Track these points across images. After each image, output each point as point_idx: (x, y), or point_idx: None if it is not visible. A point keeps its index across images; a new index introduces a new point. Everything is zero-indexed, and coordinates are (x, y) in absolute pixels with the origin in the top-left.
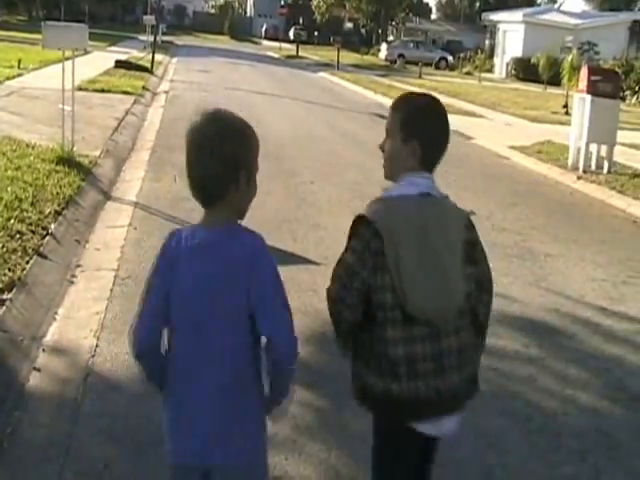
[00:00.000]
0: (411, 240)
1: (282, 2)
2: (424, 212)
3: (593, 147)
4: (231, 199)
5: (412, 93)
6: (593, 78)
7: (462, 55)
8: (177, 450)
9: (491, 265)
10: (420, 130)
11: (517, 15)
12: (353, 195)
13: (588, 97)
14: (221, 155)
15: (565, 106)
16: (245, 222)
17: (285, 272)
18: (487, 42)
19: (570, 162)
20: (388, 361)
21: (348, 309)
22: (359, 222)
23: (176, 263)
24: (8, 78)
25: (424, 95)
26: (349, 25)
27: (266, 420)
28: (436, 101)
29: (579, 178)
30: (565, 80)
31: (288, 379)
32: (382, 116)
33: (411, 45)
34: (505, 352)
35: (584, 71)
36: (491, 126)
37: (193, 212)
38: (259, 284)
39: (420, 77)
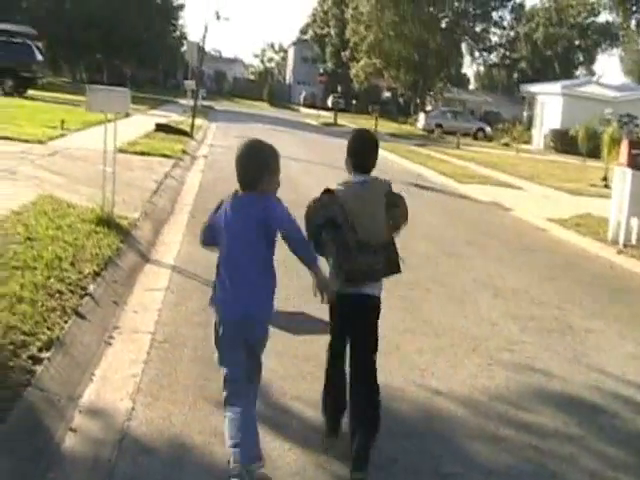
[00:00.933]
0: (354, 200)
1: (321, 70)
2: (360, 188)
3: (634, 221)
4: (260, 189)
5: (355, 129)
6: (634, 152)
7: (500, 126)
8: (225, 311)
9: (530, 339)
10: (351, 151)
11: (556, 87)
12: None
13: (629, 171)
14: (256, 162)
15: (604, 179)
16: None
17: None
18: (525, 113)
19: (610, 236)
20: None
21: (315, 223)
22: (329, 192)
23: (229, 210)
24: (51, 138)
25: (360, 129)
26: (387, 94)
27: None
28: (363, 132)
29: (619, 252)
30: (604, 153)
31: (304, 246)
32: (419, 186)
33: (449, 115)
34: (545, 430)
35: (624, 144)
36: (529, 198)
37: None
38: (274, 217)
39: (458, 147)
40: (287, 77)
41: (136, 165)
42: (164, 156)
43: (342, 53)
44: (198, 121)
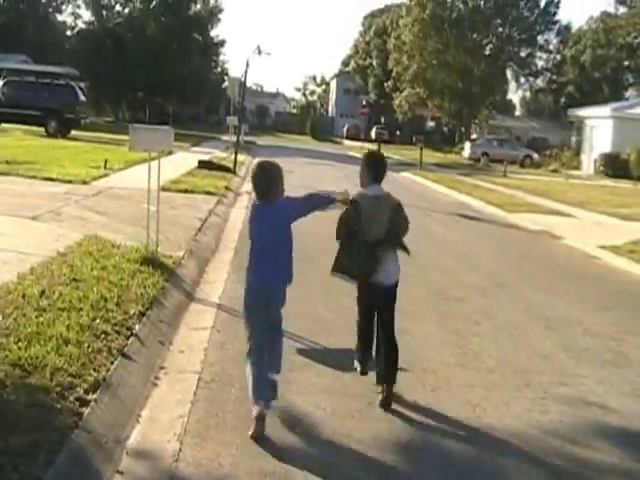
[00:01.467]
0: (367, 210)
1: (363, 102)
2: (373, 201)
3: None
4: (272, 197)
5: (368, 151)
6: None
7: (547, 152)
8: (255, 291)
9: (584, 372)
10: (367, 167)
11: (605, 110)
12: (438, 298)
13: None
14: (270, 175)
15: None
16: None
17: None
18: (573, 138)
19: None
20: (355, 258)
21: (341, 235)
22: (353, 202)
23: (255, 214)
24: (95, 178)
25: (373, 152)
26: (431, 123)
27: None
28: (375, 154)
29: None
30: None
31: (316, 202)
32: (467, 216)
33: (495, 143)
34: (602, 466)
35: None
36: (580, 225)
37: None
38: (290, 212)
39: (505, 175)
40: (330, 109)
41: (179, 203)
42: (207, 193)
43: (385, 84)
44: (241, 157)
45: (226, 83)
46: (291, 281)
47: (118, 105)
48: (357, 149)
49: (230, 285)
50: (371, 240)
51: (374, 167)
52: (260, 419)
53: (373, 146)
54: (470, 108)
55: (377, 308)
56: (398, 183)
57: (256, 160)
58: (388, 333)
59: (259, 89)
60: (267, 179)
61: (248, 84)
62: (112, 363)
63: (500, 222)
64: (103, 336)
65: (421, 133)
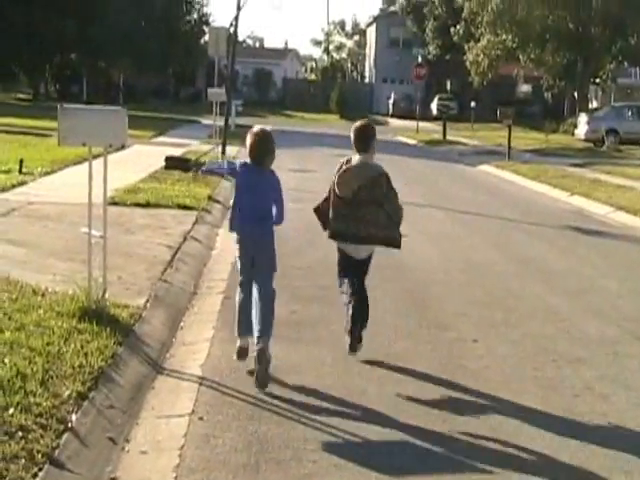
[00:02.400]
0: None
1: (419, 59)
2: (361, 166)
3: None
4: (268, 163)
5: (358, 124)
6: None
7: None
8: (243, 233)
9: None
10: (353, 137)
11: None
12: (542, 359)
13: None
14: (268, 144)
15: None
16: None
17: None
18: None
19: None
20: (339, 218)
21: (320, 210)
22: (344, 162)
23: (240, 174)
24: (4, 189)
25: (360, 125)
26: (525, 88)
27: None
28: (360, 128)
29: None
30: None
31: (281, 219)
32: (585, 231)
33: (629, 114)
34: None
35: None
36: None
37: (287, 390)
38: (276, 190)
39: None
40: (367, 73)
41: (138, 223)
42: (181, 207)
43: (452, 29)
44: (231, 150)
45: (206, 37)
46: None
47: (38, 74)
48: (410, 131)
49: (217, 348)
50: (348, 198)
51: (359, 142)
52: (243, 353)
53: (435, 126)
54: (587, 60)
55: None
56: (476, 181)
57: (254, 129)
58: (361, 296)
59: (257, 44)
60: (264, 147)
61: (241, 37)
62: (35, 476)
63: (638, 238)
64: (20, 434)
65: (509, 104)
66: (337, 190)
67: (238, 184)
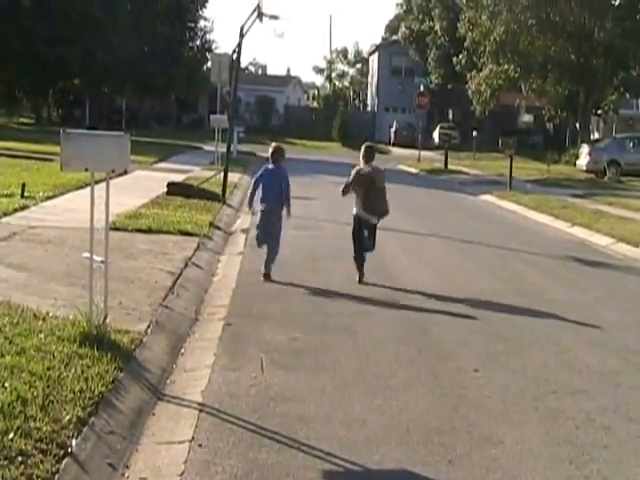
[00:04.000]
0: (363, 177)
1: (421, 88)
2: (370, 170)
3: None
4: (281, 162)
5: (365, 145)
6: None
7: None
8: (266, 207)
9: None
10: (363, 152)
11: None
12: (543, 390)
13: None
14: (281, 152)
15: None
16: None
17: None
18: None
19: None
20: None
21: (345, 191)
22: (355, 170)
23: (263, 174)
24: (6, 213)
25: (367, 146)
26: (527, 118)
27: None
28: (367, 149)
29: None
30: None
31: (289, 205)
32: (587, 262)
33: (630, 145)
34: None
35: None
36: None
37: (288, 418)
38: (286, 177)
39: None
40: (369, 101)
41: (140, 249)
42: (182, 233)
43: (454, 58)
44: (233, 176)
45: (209, 63)
46: (289, 213)
47: (41, 98)
48: (412, 160)
49: (219, 375)
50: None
51: (366, 156)
52: (267, 275)
53: (436, 155)
54: (589, 91)
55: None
56: (478, 211)
57: (273, 144)
58: (372, 240)
59: (260, 72)
60: (280, 154)
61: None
62: None
63: None
64: (20, 458)
65: (511, 133)
66: (356, 186)
67: (261, 178)
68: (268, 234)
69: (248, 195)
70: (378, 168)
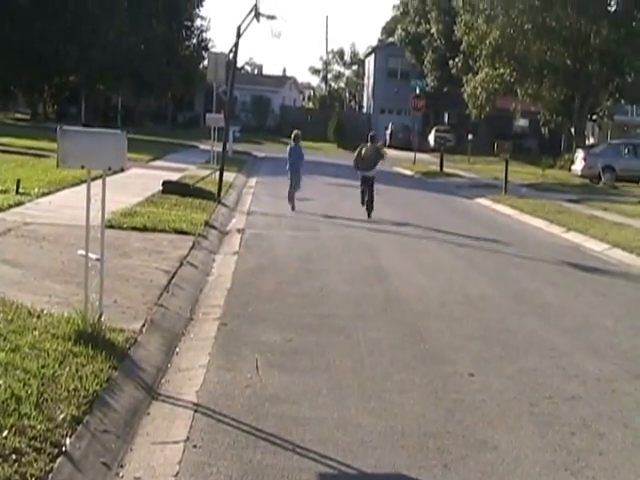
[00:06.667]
0: (365, 151)
1: (417, 91)
2: (370, 147)
3: None
4: (299, 141)
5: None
6: None
7: None
8: (292, 169)
9: None
10: (369, 137)
11: None
12: (537, 394)
13: None
14: (299, 136)
15: None
16: None
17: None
18: None
19: None
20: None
21: (354, 163)
22: (361, 147)
23: (292, 151)
24: (1, 209)
25: (371, 136)
26: (522, 123)
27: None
28: (371, 137)
29: None
30: None
31: (302, 160)
32: (582, 267)
33: (625, 151)
34: None
35: None
36: None
37: (283, 420)
38: (302, 150)
39: None
40: (365, 102)
41: (135, 247)
42: (178, 232)
43: (450, 62)
44: (229, 176)
45: (206, 62)
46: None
47: (37, 94)
48: (408, 162)
49: (214, 374)
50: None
51: (371, 138)
52: (292, 208)
53: (432, 158)
54: (585, 97)
55: (367, 185)
56: (473, 214)
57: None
58: (371, 194)
59: (256, 71)
60: (298, 136)
61: (240, 63)
62: None
63: (636, 275)
64: (14, 457)
65: (506, 137)
66: (360, 157)
67: (290, 153)
68: (293, 186)
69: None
70: (376, 146)
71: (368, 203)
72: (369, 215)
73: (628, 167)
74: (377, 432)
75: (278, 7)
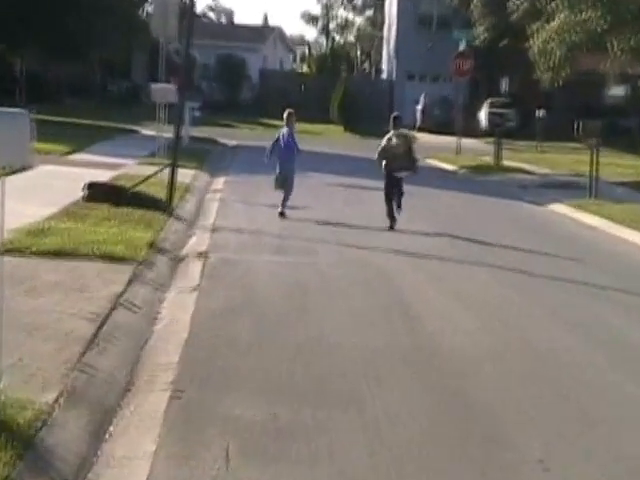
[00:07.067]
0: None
1: (460, 46)
2: (397, 134)
3: None
4: (292, 124)
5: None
6: None
7: None
8: (282, 159)
9: None
10: (392, 121)
11: None
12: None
13: None
14: (292, 117)
15: None
16: None
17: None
18: None
19: None
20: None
21: (379, 159)
22: (389, 137)
23: (280, 137)
24: None
25: (394, 116)
26: (617, 92)
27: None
28: (397, 114)
29: None
30: None
31: (297, 149)
32: None
33: None
34: None
35: None
36: None
37: None
38: (294, 135)
39: None
40: (384, 65)
41: (47, 282)
42: (109, 258)
43: (509, 3)
44: (185, 174)
45: (149, 7)
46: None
47: None
48: (447, 153)
49: (164, 468)
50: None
51: (394, 122)
52: (282, 214)
53: (483, 145)
54: None
55: (395, 186)
56: (543, 227)
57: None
58: (399, 197)
59: (225, 20)
60: (290, 118)
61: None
62: None
63: None
64: None
65: (594, 114)
66: (387, 149)
67: (278, 137)
68: (282, 184)
69: (267, 151)
70: (405, 132)
71: (396, 207)
72: (392, 226)
73: None
74: None
75: None
